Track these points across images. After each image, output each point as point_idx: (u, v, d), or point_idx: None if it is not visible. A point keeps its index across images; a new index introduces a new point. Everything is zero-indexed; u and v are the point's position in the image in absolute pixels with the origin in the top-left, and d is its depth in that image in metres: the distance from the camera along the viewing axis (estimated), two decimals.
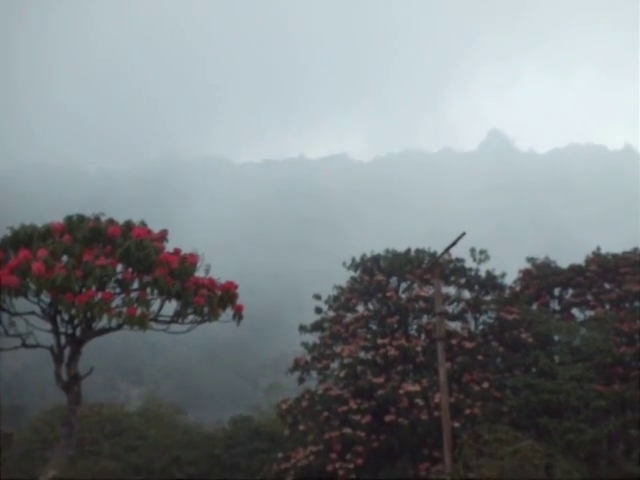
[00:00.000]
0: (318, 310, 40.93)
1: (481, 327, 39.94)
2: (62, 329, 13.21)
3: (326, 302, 40.74)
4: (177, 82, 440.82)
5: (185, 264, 12.91)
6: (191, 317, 13.38)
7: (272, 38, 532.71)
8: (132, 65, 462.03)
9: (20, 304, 12.77)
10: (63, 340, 13.29)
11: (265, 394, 68.19)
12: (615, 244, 46.08)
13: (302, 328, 40.82)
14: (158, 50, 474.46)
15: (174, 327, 13.59)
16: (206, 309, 13.15)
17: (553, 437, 33.86)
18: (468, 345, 36.65)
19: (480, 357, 36.74)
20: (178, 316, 13.28)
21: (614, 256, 42.08)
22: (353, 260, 41.28)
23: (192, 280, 12.98)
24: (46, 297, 12.65)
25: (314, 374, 40.01)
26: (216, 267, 13.36)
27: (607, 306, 40.92)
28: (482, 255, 39.86)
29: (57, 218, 13.40)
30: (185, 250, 13.43)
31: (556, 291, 42.82)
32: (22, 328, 13.04)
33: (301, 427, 37.41)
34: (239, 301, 13.78)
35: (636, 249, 42.67)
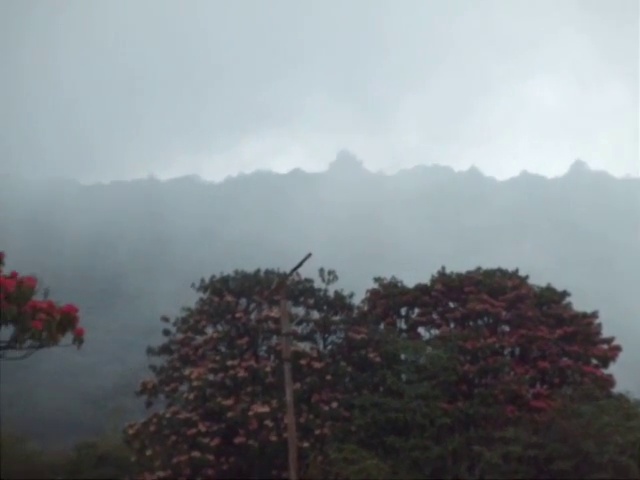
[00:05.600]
0: (166, 332, 40.35)
1: (330, 347, 40.21)
2: None
3: (174, 324, 40.18)
4: (17, 98, 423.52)
5: (22, 288, 12.34)
6: (29, 342, 12.81)
7: (117, 55, 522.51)
8: None
9: None
10: None
11: (109, 418, 66.53)
12: (459, 264, 47.29)
13: (150, 351, 40.13)
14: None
15: (11, 353, 12.99)
16: (44, 334, 12.60)
17: (400, 455, 34.38)
18: (317, 365, 36.82)
19: (329, 377, 36.97)
20: (15, 341, 12.69)
21: (458, 275, 43.19)
22: (202, 281, 40.88)
23: (29, 304, 12.41)
24: None
25: (162, 397, 39.36)
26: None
27: (452, 324, 41.99)
28: (331, 275, 40.19)
29: None
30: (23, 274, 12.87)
31: (403, 310, 43.60)
32: None
33: (148, 452, 36.64)
34: (80, 324, 13.27)
35: (479, 268, 43.95)
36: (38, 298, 12.72)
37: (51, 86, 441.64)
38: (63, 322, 12.88)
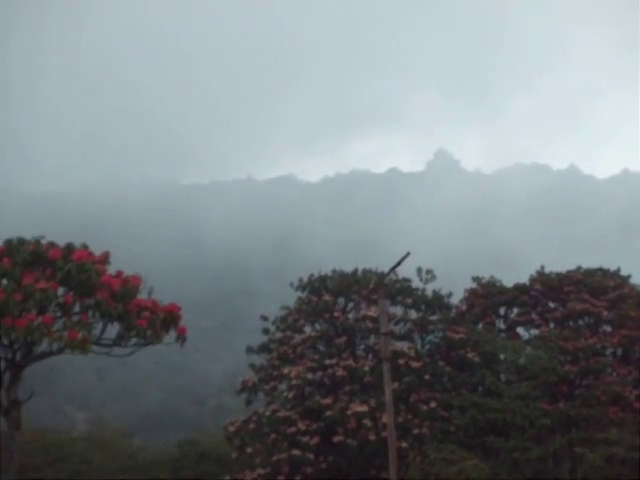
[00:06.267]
0: (265, 331, 40.76)
1: (428, 347, 40.00)
2: (1, 354, 12.94)
3: (273, 323, 40.59)
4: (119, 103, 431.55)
5: (127, 286, 12.74)
6: (134, 340, 13.20)
7: (222, 53, 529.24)
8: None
9: None
10: (2, 365, 13.01)
11: (211, 416, 67.58)
12: (558, 263, 46.53)
13: (249, 349, 40.62)
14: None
15: (117, 350, 13.39)
16: (149, 332, 12.96)
17: (499, 456, 34.08)
18: (415, 365, 36.72)
19: (427, 377, 36.81)
20: (120, 339, 13.10)
21: (558, 275, 42.55)
22: (300, 280, 41.16)
23: (134, 302, 12.79)
24: None
25: (262, 396, 39.78)
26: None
27: (551, 325, 41.37)
28: (428, 275, 40.06)
29: None
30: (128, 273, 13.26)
31: (501, 310, 43.13)
32: None
33: (249, 449, 37.10)
34: (182, 323, 13.61)
35: (579, 268, 43.21)
36: (142, 297, 13.11)
37: (148, 85, 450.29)
38: (167, 320, 13.26)
